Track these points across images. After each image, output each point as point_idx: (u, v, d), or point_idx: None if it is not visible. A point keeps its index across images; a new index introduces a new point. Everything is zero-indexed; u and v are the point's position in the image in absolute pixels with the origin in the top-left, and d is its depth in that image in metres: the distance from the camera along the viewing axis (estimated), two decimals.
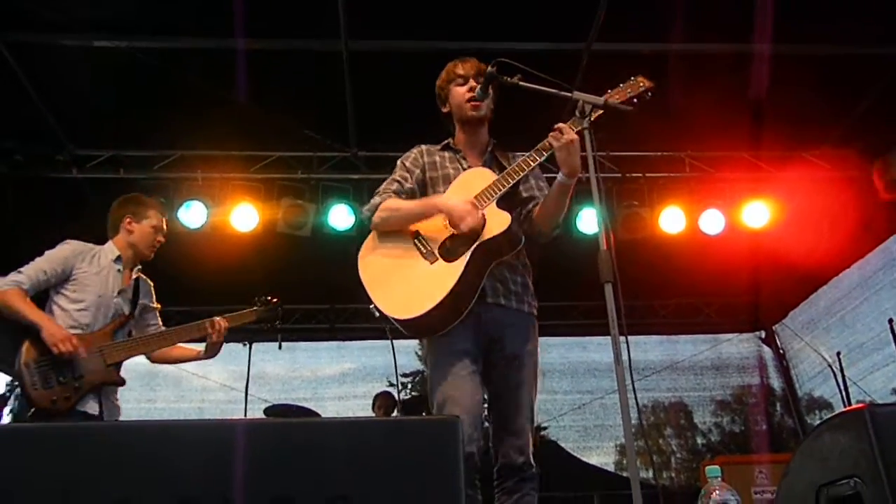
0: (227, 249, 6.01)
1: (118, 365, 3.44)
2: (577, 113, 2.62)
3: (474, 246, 2.70)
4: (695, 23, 4.60)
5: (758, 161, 6.09)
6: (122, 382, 3.46)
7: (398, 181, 2.97)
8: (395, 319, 2.67)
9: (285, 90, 5.19)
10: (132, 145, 5.70)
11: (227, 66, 4.75)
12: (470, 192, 2.83)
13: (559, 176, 2.78)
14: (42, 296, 3.45)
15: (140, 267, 3.73)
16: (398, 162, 3.07)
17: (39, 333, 3.24)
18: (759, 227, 6.24)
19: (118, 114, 5.38)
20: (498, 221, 2.75)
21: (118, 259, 3.61)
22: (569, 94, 2.64)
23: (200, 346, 3.75)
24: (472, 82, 2.97)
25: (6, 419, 3.71)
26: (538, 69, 2.74)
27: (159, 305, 3.82)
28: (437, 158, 3.04)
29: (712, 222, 6.19)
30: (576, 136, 2.67)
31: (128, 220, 3.67)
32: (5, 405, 3.88)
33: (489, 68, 2.80)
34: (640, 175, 6.09)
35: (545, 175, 3.10)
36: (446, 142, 3.11)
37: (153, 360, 3.75)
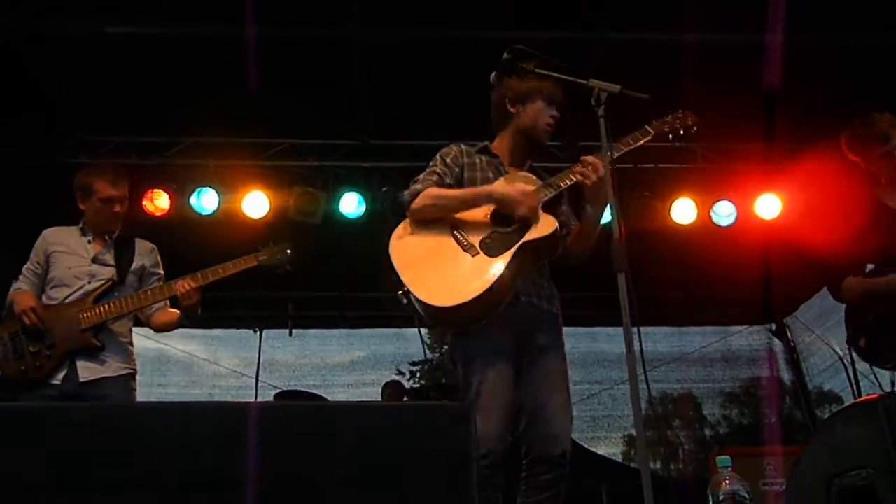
0: (238, 236, 6.02)
1: (97, 329, 3.39)
2: (592, 101, 2.61)
3: (520, 243, 2.68)
4: (709, 12, 4.56)
5: (771, 152, 6.04)
6: (100, 347, 3.38)
7: (439, 174, 2.91)
8: (432, 306, 2.60)
9: (297, 77, 5.19)
10: (144, 131, 5.71)
11: (239, 53, 4.75)
12: None
13: (589, 210, 2.82)
14: None
15: (115, 232, 3.65)
16: (437, 156, 3.00)
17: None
18: (771, 219, 6.21)
19: (130, 100, 5.39)
20: (546, 224, 2.74)
21: (83, 231, 3.61)
22: (584, 82, 2.62)
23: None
24: (556, 111, 2.95)
25: None
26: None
27: (162, 272, 3.75)
28: (477, 160, 2.98)
29: (724, 214, 6.15)
30: (603, 172, 2.65)
31: (78, 198, 3.62)
32: None
33: (504, 55, 2.79)
34: (651, 165, 6.05)
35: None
36: (484, 145, 3.05)
37: (155, 329, 3.73)
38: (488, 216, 2.78)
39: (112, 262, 3.57)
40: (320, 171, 5.92)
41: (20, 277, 3.53)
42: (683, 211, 6.11)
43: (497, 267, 2.62)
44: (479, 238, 2.72)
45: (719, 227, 6.16)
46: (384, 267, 2.78)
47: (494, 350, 2.68)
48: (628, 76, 2.79)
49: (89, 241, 3.59)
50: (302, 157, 5.94)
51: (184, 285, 3.46)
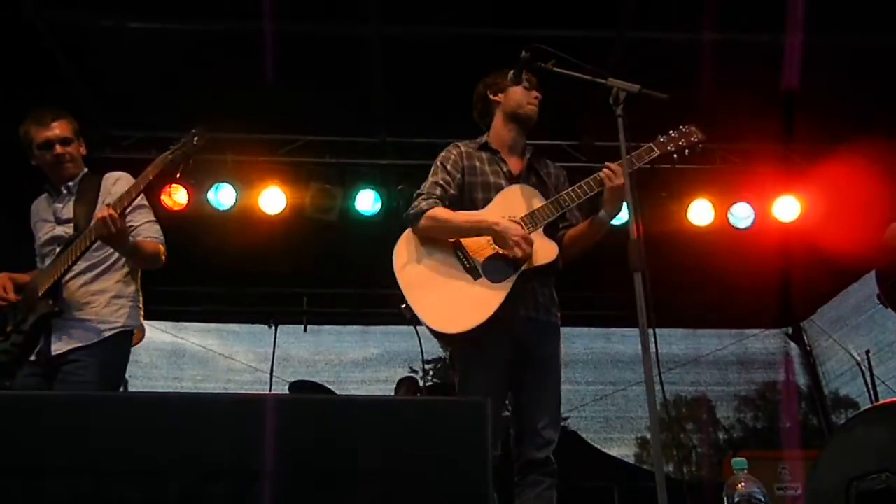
0: (255, 232, 6.06)
1: (55, 291, 3.01)
2: (610, 100, 2.60)
3: (520, 272, 2.74)
4: (728, 12, 4.53)
5: (790, 154, 5.99)
6: (58, 312, 3.00)
7: (442, 186, 2.93)
8: (432, 330, 2.70)
9: (315, 74, 5.21)
10: (164, 126, 5.74)
11: (258, 49, 4.77)
12: (513, 210, 2.86)
13: (601, 213, 2.85)
14: None
15: (74, 179, 3.23)
16: (438, 162, 3.02)
17: None
18: (789, 222, 6.16)
19: (152, 94, 5.43)
20: (546, 251, 2.80)
21: (48, 191, 3.29)
22: (603, 81, 2.62)
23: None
24: (536, 92, 3.01)
25: None
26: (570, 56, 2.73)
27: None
28: (476, 162, 3.00)
29: (742, 216, 6.12)
30: (624, 181, 2.68)
31: (28, 157, 3.26)
32: None
33: (523, 53, 2.79)
34: (668, 166, 6.00)
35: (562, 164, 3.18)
36: (483, 141, 3.08)
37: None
38: (491, 238, 2.82)
39: (70, 214, 3.17)
40: (337, 168, 5.95)
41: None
42: (700, 212, 6.08)
43: (497, 296, 2.69)
44: (482, 259, 2.78)
45: (737, 229, 6.13)
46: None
47: (490, 361, 2.76)
48: (647, 75, 2.79)
49: (51, 203, 3.24)
50: (319, 153, 5.96)
51: (97, 219, 2.90)
